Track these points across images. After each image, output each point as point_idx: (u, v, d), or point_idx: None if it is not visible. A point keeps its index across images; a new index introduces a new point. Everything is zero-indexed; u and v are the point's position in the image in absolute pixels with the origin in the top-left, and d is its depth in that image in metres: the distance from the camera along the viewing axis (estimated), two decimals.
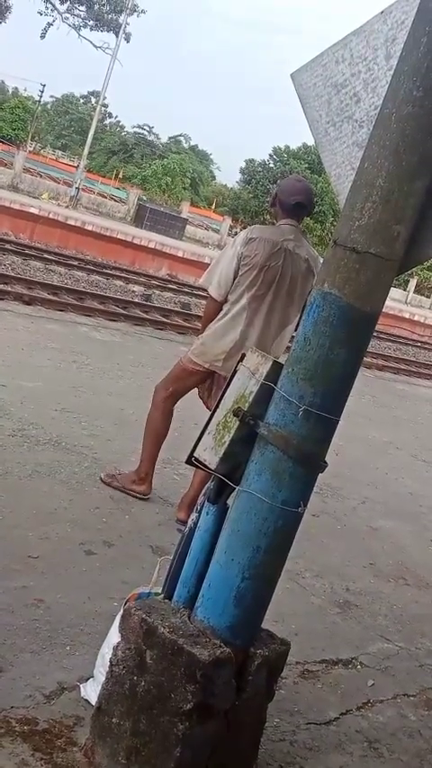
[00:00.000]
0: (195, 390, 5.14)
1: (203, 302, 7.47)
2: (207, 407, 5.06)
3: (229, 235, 41.28)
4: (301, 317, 4.87)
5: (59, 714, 2.85)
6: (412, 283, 49.64)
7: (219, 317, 4.90)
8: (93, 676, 2.98)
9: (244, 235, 4.89)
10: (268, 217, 51.90)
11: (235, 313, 4.84)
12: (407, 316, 36.11)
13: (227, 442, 2.57)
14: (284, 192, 4.88)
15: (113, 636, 2.78)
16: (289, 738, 3.16)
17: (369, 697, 3.69)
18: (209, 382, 5.05)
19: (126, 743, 2.53)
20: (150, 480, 5.13)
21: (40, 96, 74.11)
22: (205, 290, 5.02)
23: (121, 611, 2.74)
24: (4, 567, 3.76)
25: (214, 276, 4.90)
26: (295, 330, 4.83)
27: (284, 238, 4.83)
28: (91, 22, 40.55)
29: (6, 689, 2.90)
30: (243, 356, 2.68)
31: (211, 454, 2.62)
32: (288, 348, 4.82)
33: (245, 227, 7.74)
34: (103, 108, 55.98)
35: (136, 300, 15.83)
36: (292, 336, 4.88)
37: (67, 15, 40.40)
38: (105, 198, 41.71)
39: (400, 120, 2.34)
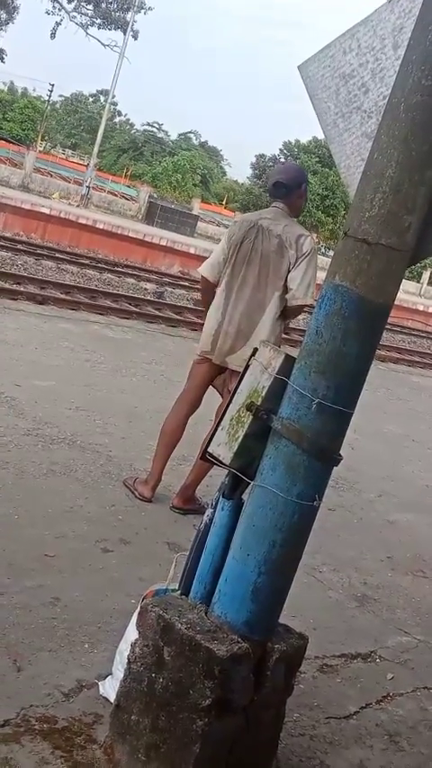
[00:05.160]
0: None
1: None
2: (221, 395, 5.12)
3: None
4: (282, 300, 4.85)
5: (79, 712, 2.85)
6: (426, 275, 49.48)
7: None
8: (111, 674, 2.98)
9: (233, 220, 5.10)
10: None
11: (218, 295, 4.98)
12: (421, 308, 36.01)
13: (240, 437, 2.56)
14: (268, 178, 5.09)
15: (131, 633, 2.78)
16: (309, 733, 3.15)
17: (389, 690, 3.68)
18: (225, 375, 5.06)
19: (145, 740, 2.53)
20: (154, 484, 5.07)
21: (50, 96, 74.40)
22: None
23: (138, 607, 2.73)
24: (21, 566, 3.77)
25: (209, 260, 5.11)
26: (282, 318, 4.86)
27: (261, 217, 4.96)
28: (98, 20, 40.67)
29: (25, 687, 2.90)
30: (255, 350, 2.67)
31: (224, 449, 2.61)
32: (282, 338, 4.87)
33: None
34: (112, 106, 56.14)
35: (148, 298, 15.85)
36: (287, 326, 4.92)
37: (75, 14, 40.56)
38: (116, 196, 41.77)
39: (409, 109, 2.32)
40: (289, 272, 4.80)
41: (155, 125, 79.00)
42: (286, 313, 4.92)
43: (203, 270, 5.08)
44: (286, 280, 4.81)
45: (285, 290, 4.82)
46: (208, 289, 5.07)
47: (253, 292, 4.86)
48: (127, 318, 12.33)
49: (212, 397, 5.20)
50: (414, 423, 10.42)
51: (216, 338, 4.92)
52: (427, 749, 3.31)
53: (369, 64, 2.71)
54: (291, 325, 17.73)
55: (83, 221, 26.52)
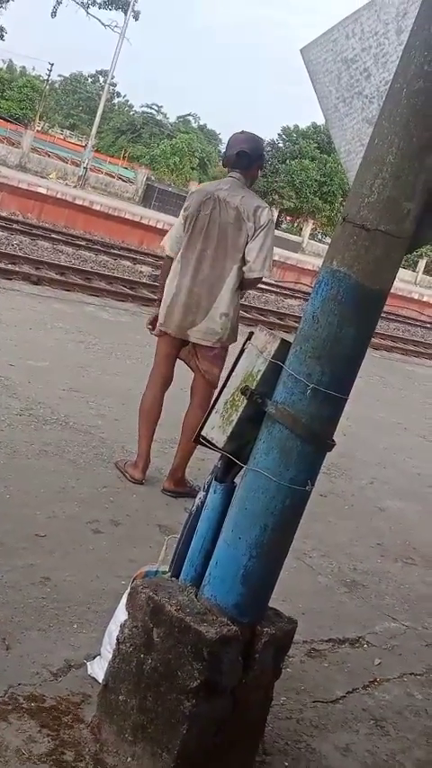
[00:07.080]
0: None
1: None
2: (191, 369, 5.13)
3: None
4: (240, 272, 4.74)
5: (66, 691, 2.87)
6: (421, 264, 49.47)
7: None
8: (100, 654, 2.99)
9: (190, 191, 5.04)
10: (276, 197, 51.74)
11: (174, 267, 4.95)
12: (416, 296, 36.06)
13: (234, 421, 2.56)
14: (228, 147, 4.95)
15: (120, 614, 2.79)
16: (296, 716, 3.17)
17: (375, 676, 3.70)
18: (188, 347, 5.05)
19: (133, 720, 2.54)
20: (143, 466, 5.07)
21: (49, 75, 73.98)
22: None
23: (129, 589, 2.74)
24: (12, 546, 3.77)
25: (169, 233, 5.08)
26: (239, 289, 4.82)
27: (218, 188, 4.88)
28: None
29: (14, 666, 2.91)
30: (251, 334, 2.66)
31: (218, 433, 2.61)
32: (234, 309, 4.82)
33: None
34: (111, 87, 55.81)
35: (144, 281, 15.81)
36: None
37: None
38: (113, 178, 41.60)
39: (411, 95, 2.30)
40: (247, 243, 4.78)
41: (154, 107, 78.50)
42: (243, 285, 4.90)
43: (164, 243, 5.07)
44: (244, 252, 4.79)
45: (243, 262, 4.80)
46: (168, 263, 5.05)
47: (212, 265, 4.83)
48: (122, 301, 12.33)
49: (186, 374, 5.22)
50: (407, 411, 10.44)
51: (172, 310, 4.90)
52: (412, 734, 3.33)
53: (372, 49, 2.69)
54: (285, 312, 17.74)
55: (79, 202, 26.44)
